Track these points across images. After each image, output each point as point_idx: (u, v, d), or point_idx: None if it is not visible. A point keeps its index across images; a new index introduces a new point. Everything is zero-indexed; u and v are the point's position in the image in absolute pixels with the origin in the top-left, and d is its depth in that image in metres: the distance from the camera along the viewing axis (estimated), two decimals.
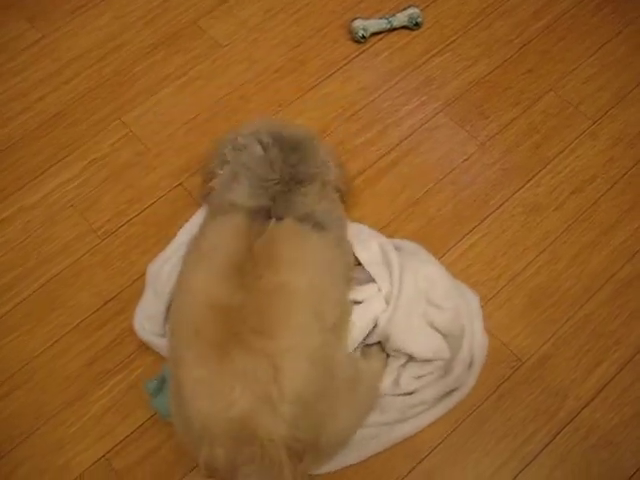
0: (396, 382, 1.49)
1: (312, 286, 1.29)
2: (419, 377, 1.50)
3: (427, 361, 1.49)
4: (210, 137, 1.89)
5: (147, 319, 1.60)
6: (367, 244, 1.59)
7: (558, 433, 1.47)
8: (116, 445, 1.52)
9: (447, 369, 1.51)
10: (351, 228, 1.60)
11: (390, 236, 1.71)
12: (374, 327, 1.48)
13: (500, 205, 1.75)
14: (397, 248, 1.61)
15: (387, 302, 1.50)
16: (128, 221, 1.81)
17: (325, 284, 1.33)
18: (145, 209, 1.82)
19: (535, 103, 1.91)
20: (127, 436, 1.53)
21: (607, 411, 1.50)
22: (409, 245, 1.66)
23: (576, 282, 1.64)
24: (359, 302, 1.50)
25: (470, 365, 1.52)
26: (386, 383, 1.50)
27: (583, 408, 1.50)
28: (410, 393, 1.48)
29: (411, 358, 1.50)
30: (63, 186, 1.88)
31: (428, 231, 1.72)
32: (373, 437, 1.46)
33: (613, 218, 1.73)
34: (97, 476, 1.49)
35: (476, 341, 1.54)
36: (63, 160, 1.92)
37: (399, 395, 1.49)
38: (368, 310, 1.48)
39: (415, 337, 1.48)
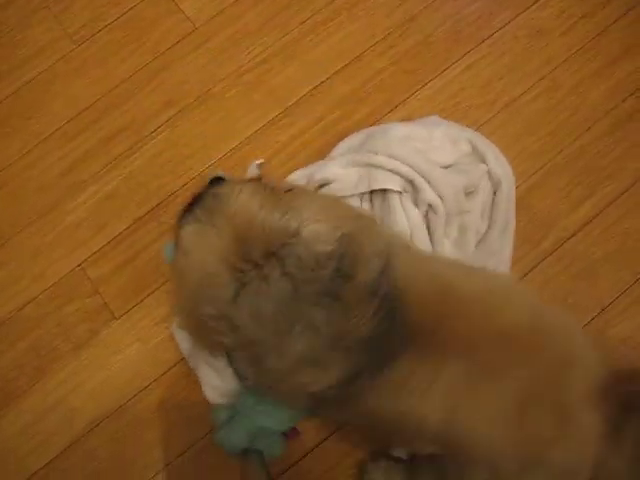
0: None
1: None
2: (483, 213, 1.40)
3: (473, 194, 1.39)
4: None
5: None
6: (326, 166, 1.40)
7: (541, 261, 1.39)
8: (91, 255, 1.44)
9: (494, 185, 1.40)
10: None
11: (383, 53, 1.55)
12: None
13: (503, 26, 1.56)
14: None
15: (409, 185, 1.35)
16: (106, 26, 1.62)
17: None
18: (124, 14, 1.63)
19: None
20: (102, 247, 1.45)
21: (591, 244, 1.41)
22: (357, 138, 1.47)
23: (574, 112, 1.50)
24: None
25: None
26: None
27: (568, 239, 1.41)
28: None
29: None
30: None
31: (423, 49, 1.55)
32: None
33: (621, 48, 1.55)
34: (72, 285, 1.43)
35: (483, 139, 1.44)
36: None
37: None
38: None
39: (451, 179, 1.35)
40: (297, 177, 1.41)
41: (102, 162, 1.50)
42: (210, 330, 0.99)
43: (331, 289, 0.93)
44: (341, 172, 1.38)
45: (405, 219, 1.34)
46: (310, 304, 0.93)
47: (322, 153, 1.47)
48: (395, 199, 1.34)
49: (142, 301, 1.40)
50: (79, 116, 1.55)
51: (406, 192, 1.35)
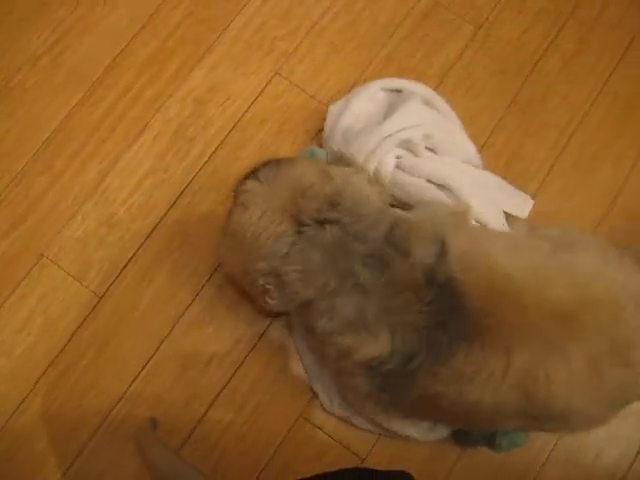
0: None
1: None
2: None
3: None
4: None
5: None
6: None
7: None
8: None
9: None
10: None
11: (176, 7, 1.48)
12: None
13: None
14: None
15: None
16: None
17: None
18: None
19: None
20: None
21: None
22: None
23: (375, 22, 1.50)
24: None
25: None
26: None
27: None
28: None
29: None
30: None
31: None
32: None
33: None
34: None
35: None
36: None
37: None
38: None
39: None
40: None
41: None
42: (259, 290, 0.99)
43: (382, 254, 0.94)
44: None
45: None
46: (360, 263, 0.93)
47: (141, 120, 1.41)
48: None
49: None
50: None
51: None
